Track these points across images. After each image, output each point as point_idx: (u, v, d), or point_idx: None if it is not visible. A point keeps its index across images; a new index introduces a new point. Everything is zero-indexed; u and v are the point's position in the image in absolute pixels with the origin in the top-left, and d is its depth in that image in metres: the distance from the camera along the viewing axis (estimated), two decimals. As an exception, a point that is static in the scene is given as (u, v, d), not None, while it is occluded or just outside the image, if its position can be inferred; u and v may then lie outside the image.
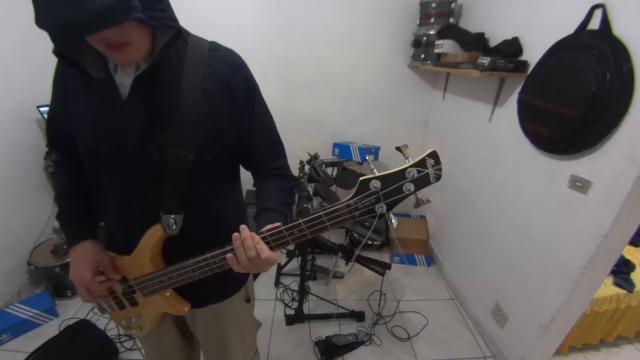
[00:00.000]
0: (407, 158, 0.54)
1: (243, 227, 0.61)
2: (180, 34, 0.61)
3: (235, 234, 0.60)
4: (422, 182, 0.53)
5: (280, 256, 0.65)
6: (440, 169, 0.52)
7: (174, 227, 0.69)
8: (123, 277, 0.77)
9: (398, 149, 0.59)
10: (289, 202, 0.78)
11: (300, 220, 0.58)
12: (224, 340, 0.92)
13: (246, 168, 0.82)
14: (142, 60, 0.62)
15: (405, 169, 0.52)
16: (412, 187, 0.53)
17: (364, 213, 0.56)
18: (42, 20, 0.47)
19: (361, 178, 0.54)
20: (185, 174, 0.66)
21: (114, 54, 0.56)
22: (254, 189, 0.81)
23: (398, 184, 0.53)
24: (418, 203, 0.55)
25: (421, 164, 0.52)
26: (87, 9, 0.45)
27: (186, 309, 0.80)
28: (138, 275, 0.75)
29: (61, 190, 0.80)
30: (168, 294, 0.78)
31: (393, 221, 0.56)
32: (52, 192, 2.10)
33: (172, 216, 0.69)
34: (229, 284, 0.88)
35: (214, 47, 0.69)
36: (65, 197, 0.79)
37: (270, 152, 0.80)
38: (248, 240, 0.59)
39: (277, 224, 0.61)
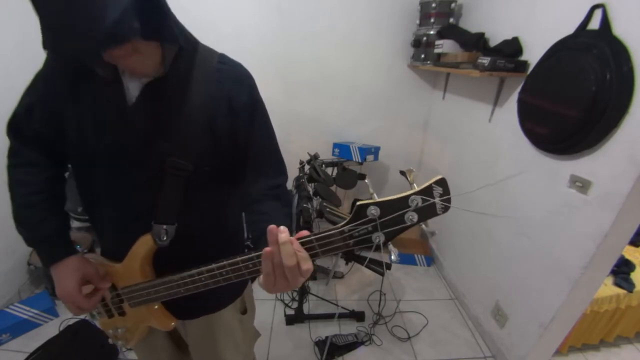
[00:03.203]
0: (411, 184, 0.49)
1: (284, 228, 0.48)
2: (182, 50, 0.63)
3: (273, 233, 0.46)
4: (427, 212, 0.47)
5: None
6: (449, 200, 0.46)
7: (165, 238, 0.67)
8: (112, 285, 0.75)
9: (402, 173, 0.54)
10: (290, 225, 0.74)
11: None
12: (216, 352, 0.89)
13: (243, 183, 0.76)
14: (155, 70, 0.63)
15: (409, 196, 0.46)
16: (415, 217, 0.47)
17: (359, 242, 0.50)
18: (48, 43, 0.48)
19: (358, 202, 0.48)
20: (184, 184, 0.66)
21: (123, 66, 0.58)
22: None
23: (399, 213, 0.47)
24: (423, 235, 0.51)
25: (427, 191, 0.46)
26: (88, 39, 0.46)
27: (172, 324, 0.78)
28: (127, 285, 0.73)
29: (33, 198, 0.70)
30: (156, 306, 0.76)
31: (392, 257, 0.52)
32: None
33: (164, 227, 0.67)
34: (222, 295, 0.84)
35: (223, 60, 0.69)
36: (40, 206, 0.70)
37: (269, 167, 0.75)
38: (288, 245, 0.47)
39: (306, 232, 0.54)
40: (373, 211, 0.48)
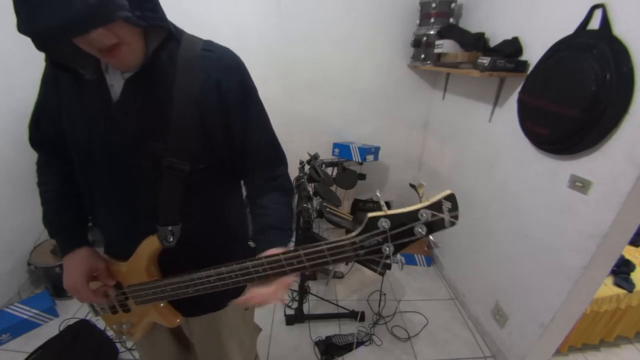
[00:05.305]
0: (421, 197, 0.51)
1: (243, 299, 0.61)
2: (171, 36, 0.59)
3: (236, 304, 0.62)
4: (436, 226, 0.49)
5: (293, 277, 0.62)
6: (456, 216, 0.48)
7: (171, 239, 0.66)
8: (117, 283, 0.75)
9: (412, 186, 0.56)
10: (291, 216, 0.74)
11: (301, 252, 0.55)
12: (221, 349, 0.89)
13: (242, 177, 0.78)
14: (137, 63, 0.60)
15: (419, 209, 0.48)
16: (424, 230, 0.49)
17: (369, 252, 0.52)
18: (24, 25, 0.45)
19: (369, 214, 0.50)
20: (181, 184, 0.64)
21: (109, 59, 0.54)
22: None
23: (409, 226, 0.49)
24: (429, 246, 0.53)
25: (436, 206, 0.48)
26: (68, 10, 0.43)
27: (178, 320, 0.79)
28: (132, 283, 0.73)
29: (49, 195, 0.75)
30: (162, 304, 0.77)
31: (400, 266, 0.53)
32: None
33: (169, 228, 0.66)
34: (225, 293, 0.85)
35: (208, 47, 0.65)
36: (55, 203, 0.75)
37: (268, 159, 0.75)
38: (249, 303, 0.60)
39: (276, 251, 0.58)
40: (384, 223, 0.49)
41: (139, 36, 0.57)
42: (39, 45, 0.52)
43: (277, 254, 0.56)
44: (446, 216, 0.48)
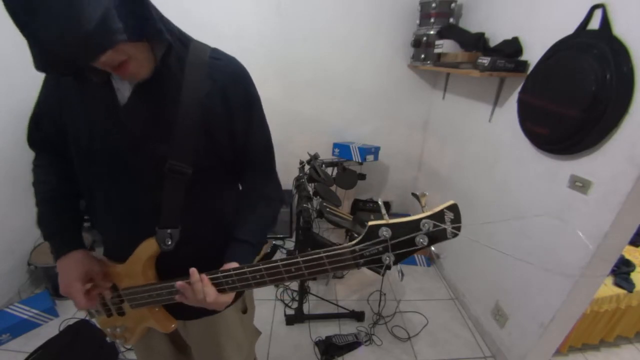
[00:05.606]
0: (423, 207, 0.50)
1: (192, 270, 0.62)
2: (171, 46, 0.60)
3: (181, 284, 0.63)
4: (438, 236, 0.48)
5: (232, 297, 0.66)
6: (459, 227, 0.48)
7: (170, 242, 0.67)
8: (113, 285, 0.75)
9: (415, 195, 0.56)
10: (266, 231, 0.77)
11: (299, 259, 0.54)
12: (219, 352, 0.88)
13: (239, 182, 0.81)
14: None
15: (421, 219, 0.48)
16: (425, 240, 0.48)
17: (369, 262, 0.51)
18: (37, 63, 0.47)
19: (370, 223, 0.49)
20: (183, 187, 0.65)
21: (120, 74, 0.55)
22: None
23: (410, 236, 0.48)
24: (431, 257, 0.52)
25: (439, 216, 0.47)
26: (69, 44, 0.44)
27: (173, 325, 0.78)
28: (128, 286, 0.73)
29: (45, 196, 0.74)
30: (157, 308, 0.76)
31: (399, 276, 0.53)
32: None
33: (168, 231, 0.66)
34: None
35: (216, 55, 0.67)
36: (51, 204, 0.74)
37: (262, 169, 0.78)
38: (197, 284, 0.61)
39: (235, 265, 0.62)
40: (385, 232, 0.48)
41: (145, 48, 0.58)
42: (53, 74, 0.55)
43: (275, 261, 0.57)
44: (448, 227, 0.47)
